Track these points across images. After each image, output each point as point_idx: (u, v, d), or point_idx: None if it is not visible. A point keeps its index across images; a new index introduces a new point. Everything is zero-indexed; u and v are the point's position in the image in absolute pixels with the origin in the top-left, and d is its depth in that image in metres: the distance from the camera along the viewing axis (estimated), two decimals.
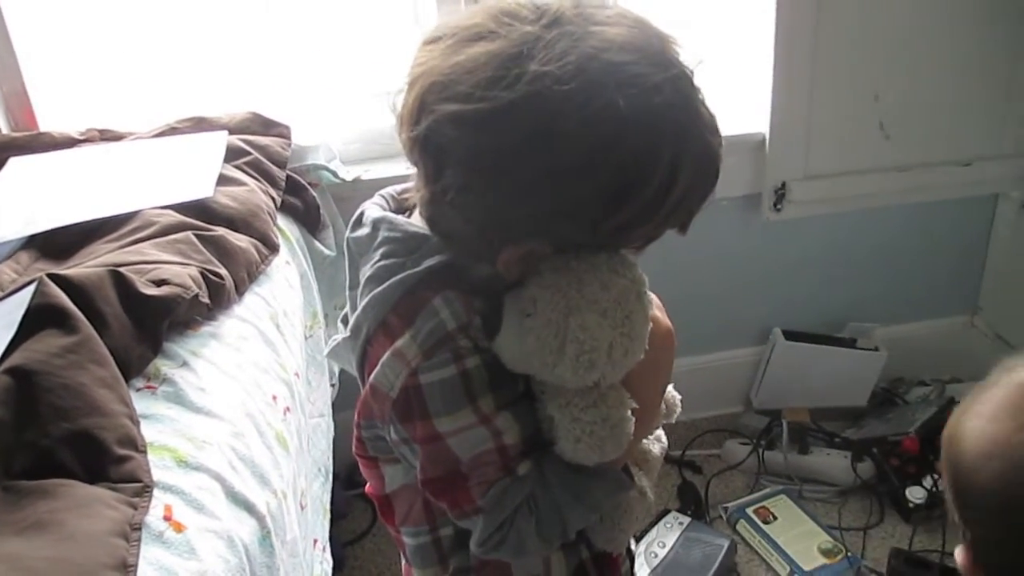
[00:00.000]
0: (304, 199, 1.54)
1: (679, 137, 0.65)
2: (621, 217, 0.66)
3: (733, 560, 1.67)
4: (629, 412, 0.73)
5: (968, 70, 1.78)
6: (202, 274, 1.10)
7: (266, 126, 1.57)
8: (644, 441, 0.84)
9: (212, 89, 1.69)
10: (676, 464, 1.91)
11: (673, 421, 0.88)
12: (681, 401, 0.88)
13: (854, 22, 1.70)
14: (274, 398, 1.08)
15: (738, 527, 1.75)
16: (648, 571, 1.60)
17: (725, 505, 1.79)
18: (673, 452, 1.91)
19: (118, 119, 1.60)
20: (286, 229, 1.43)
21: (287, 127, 1.58)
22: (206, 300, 1.08)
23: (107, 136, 1.55)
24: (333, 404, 1.49)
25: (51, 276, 0.95)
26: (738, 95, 1.77)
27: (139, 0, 1.63)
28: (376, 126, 1.74)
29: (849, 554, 1.65)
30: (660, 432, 0.87)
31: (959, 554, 0.76)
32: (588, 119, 0.61)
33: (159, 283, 1.04)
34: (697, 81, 0.67)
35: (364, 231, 0.76)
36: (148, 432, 0.88)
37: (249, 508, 0.87)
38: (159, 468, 0.84)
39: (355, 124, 1.75)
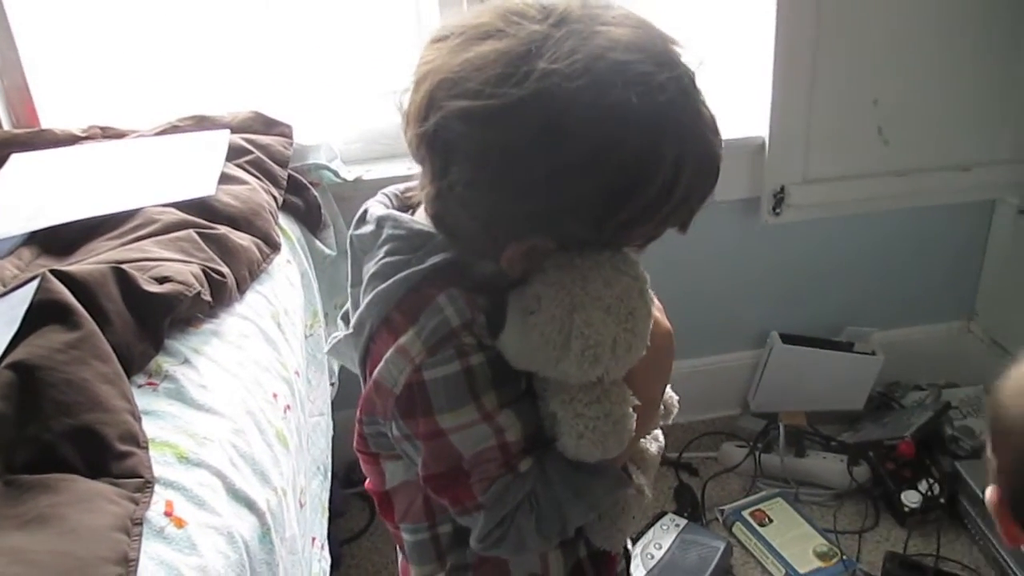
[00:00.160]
0: (305, 198, 1.54)
1: (682, 136, 0.66)
2: (624, 215, 0.67)
3: (729, 562, 1.67)
4: (631, 409, 0.73)
5: (966, 76, 1.79)
6: (204, 272, 1.11)
7: (268, 125, 1.58)
8: (642, 440, 0.85)
9: (214, 88, 1.69)
10: (673, 466, 1.92)
11: (670, 422, 0.88)
12: (679, 402, 0.89)
13: (853, 28, 1.71)
14: (275, 396, 1.08)
15: (734, 529, 1.75)
16: (644, 572, 1.61)
17: (721, 507, 1.80)
18: (670, 454, 1.92)
19: (120, 117, 1.60)
20: (287, 228, 1.44)
21: (289, 126, 1.59)
22: (208, 298, 1.08)
23: (109, 134, 1.56)
24: (332, 403, 1.49)
25: (54, 272, 0.96)
26: (738, 99, 1.77)
27: None
28: (377, 126, 1.74)
29: (844, 557, 1.66)
30: (658, 432, 0.88)
31: (990, 493, 0.79)
32: (595, 116, 0.62)
33: (161, 280, 1.04)
34: (698, 82, 0.68)
35: (368, 228, 0.77)
36: (149, 428, 0.88)
37: (249, 505, 0.88)
38: (160, 464, 0.84)
39: (357, 124, 1.76)
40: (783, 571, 1.64)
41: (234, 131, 1.51)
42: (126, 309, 0.98)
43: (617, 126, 0.63)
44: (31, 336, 0.89)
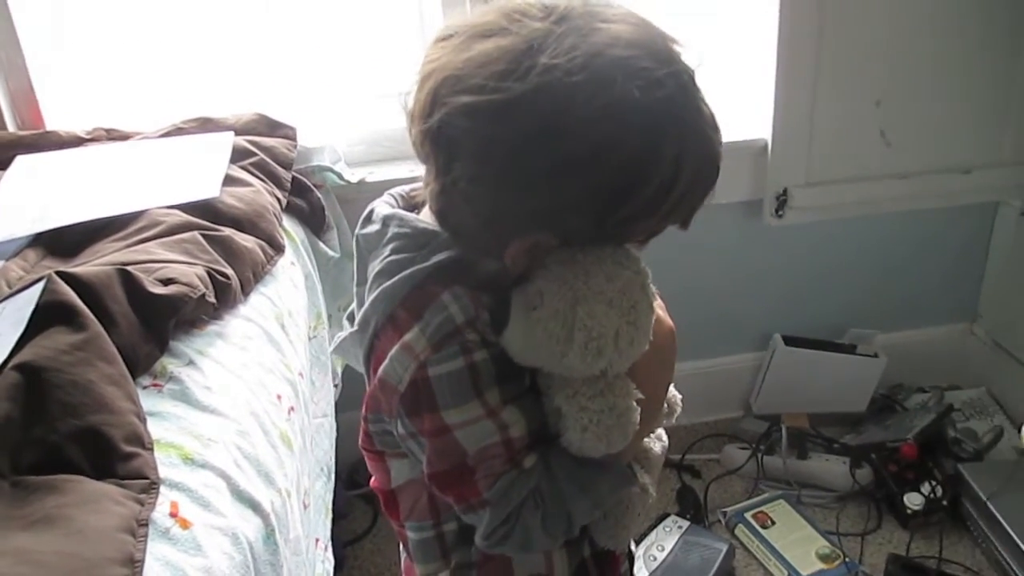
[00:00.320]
0: (309, 200, 1.55)
1: (682, 132, 0.67)
2: (626, 210, 0.67)
3: (731, 564, 1.68)
4: (634, 402, 0.74)
5: (969, 78, 1.79)
6: (208, 274, 1.11)
7: (272, 127, 1.58)
8: (646, 440, 0.85)
9: (218, 90, 1.70)
10: (675, 468, 1.92)
11: (674, 421, 0.89)
12: (682, 400, 0.89)
13: (856, 29, 1.71)
14: (279, 397, 1.08)
15: (737, 531, 1.75)
16: (647, 574, 1.61)
17: (724, 509, 1.80)
18: (673, 456, 1.92)
19: (124, 119, 1.60)
20: (291, 230, 1.44)
21: (293, 128, 1.59)
22: (212, 300, 1.09)
23: (114, 136, 1.56)
24: (336, 405, 1.49)
25: (60, 274, 0.96)
26: (741, 101, 1.78)
27: (147, 0, 1.64)
28: (381, 128, 1.75)
29: (847, 559, 1.66)
30: (661, 431, 0.88)
31: None
32: (596, 110, 0.63)
33: (166, 282, 1.05)
34: (698, 80, 0.69)
35: (374, 228, 0.78)
36: (155, 429, 0.88)
37: (254, 506, 0.88)
38: (165, 465, 0.85)
39: (360, 126, 1.76)
40: (785, 573, 1.64)
41: (238, 133, 1.52)
42: (131, 311, 0.99)
43: (617, 120, 0.64)
44: (37, 337, 0.89)
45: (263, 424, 1.00)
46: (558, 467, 0.74)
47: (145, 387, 0.95)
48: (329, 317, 1.54)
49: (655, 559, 1.64)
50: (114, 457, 0.82)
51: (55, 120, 1.62)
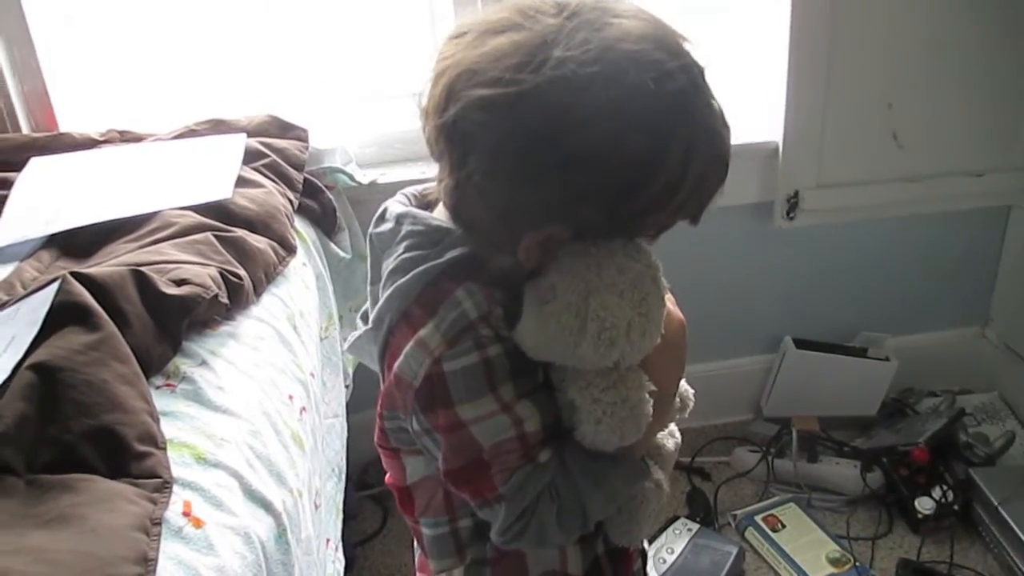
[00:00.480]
0: (321, 202, 1.55)
1: (691, 126, 0.67)
2: (638, 202, 0.68)
3: (741, 567, 1.67)
4: (647, 395, 0.74)
5: (982, 81, 1.78)
6: (221, 274, 1.12)
7: (284, 129, 1.59)
8: (659, 436, 0.85)
9: (231, 92, 1.70)
10: (685, 471, 1.92)
11: (687, 415, 0.89)
12: (694, 395, 0.89)
13: (868, 32, 1.71)
14: (290, 398, 1.09)
15: (747, 534, 1.75)
16: None
17: (734, 512, 1.80)
18: (683, 459, 1.91)
19: (138, 121, 1.61)
20: (303, 231, 1.45)
21: (304, 130, 1.60)
22: (225, 300, 1.10)
23: (127, 137, 1.57)
24: (347, 405, 1.50)
25: (74, 275, 0.97)
26: (752, 103, 1.78)
27: (159, 2, 1.65)
28: (392, 130, 1.75)
29: (857, 563, 1.65)
30: (674, 427, 0.89)
31: None
32: (609, 101, 0.64)
33: (179, 283, 1.05)
34: (707, 77, 0.70)
35: (387, 226, 0.78)
36: (168, 429, 0.89)
37: (266, 506, 0.88)
38: (178, 465, 0.85)
39: (372, 128, 1.77)
40: None
41: (250, 135, 1.52)
42: (145, 311, 1.00)
43: (630, 112, 0.64)
44: (52, 337, 0.90)
45: (275, 424, 1.01)
46: (572, 461, 0.75)
47: (158, 387, 0.96)
48: (340, 318, 1.54)
49: (665, 561, 1.64)
50: (128, 456, 0.83)
51: (69, 122, 1.64)
